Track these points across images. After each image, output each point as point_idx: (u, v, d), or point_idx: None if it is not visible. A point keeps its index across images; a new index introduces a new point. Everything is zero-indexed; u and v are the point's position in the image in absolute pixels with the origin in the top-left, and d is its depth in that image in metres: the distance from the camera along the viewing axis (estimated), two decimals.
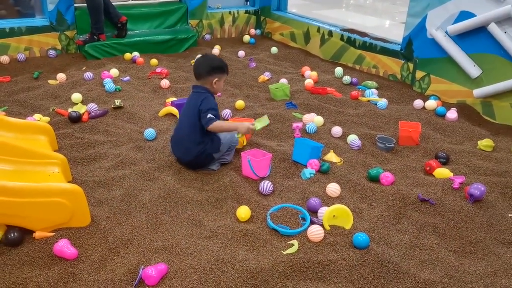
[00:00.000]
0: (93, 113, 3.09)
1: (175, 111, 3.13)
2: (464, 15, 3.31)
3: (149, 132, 2.84)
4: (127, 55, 4.34)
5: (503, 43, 3.10)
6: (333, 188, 2.32)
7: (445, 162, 2.71)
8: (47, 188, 1.92)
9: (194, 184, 2.39)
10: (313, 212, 2.17)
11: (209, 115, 2.40)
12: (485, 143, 2.91)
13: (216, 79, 2.49)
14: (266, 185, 2.30)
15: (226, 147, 2.54)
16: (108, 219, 2.08)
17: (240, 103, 3.36)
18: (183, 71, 4.11)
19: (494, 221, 2.18)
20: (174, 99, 3.34)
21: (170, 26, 4.85)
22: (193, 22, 4.98)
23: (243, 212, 2.10)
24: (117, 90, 3.54)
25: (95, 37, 4.30)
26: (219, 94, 3.14)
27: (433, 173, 2.57)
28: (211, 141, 2.48)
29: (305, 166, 2.56)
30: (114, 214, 2.13)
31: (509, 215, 2.23)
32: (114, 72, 3.86)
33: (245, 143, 2.78)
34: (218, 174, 2.48)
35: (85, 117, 3.04)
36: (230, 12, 5.23)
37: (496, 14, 3.09)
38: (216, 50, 4.61)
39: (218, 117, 2.45)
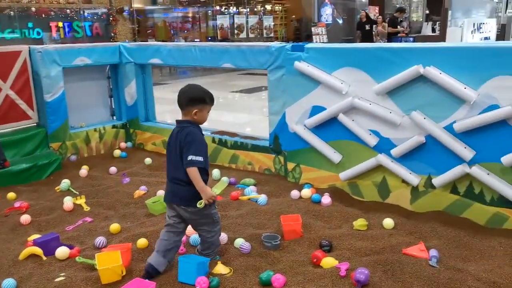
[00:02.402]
0: None
1: (38, 251, 2.77)
2: (317, 109, 3.66)
3: (8, 283, 2.43)
4: None
5: (353, 130, 3.45)
6: None
7: (329, 250, 2.77)
8: None
9: None
10: None
11: (190, 157, 2.38)
12: (360, 223, 3.09)
13: (196, 110, 2.45)
14: None
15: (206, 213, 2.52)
16: None
17: (115, 227, 3.13)
18: (47, 200, 3.75)
19: None
20: (37, 236, 2.97)
21: (28, 153, 4.49)
22: (54, 145, 4.69)
23: None
24: None
25: None
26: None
27: (320, 264, 2.60)
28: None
29: (194, 286, 2.40)
30: None
31: None
32: None
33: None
34: None
35: None
36: (95, 129, 5.07)
37: (342, 106, 3.46)
38: (83, 171, 4.35)
39: (202, 160, 2.41)
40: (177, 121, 2.54)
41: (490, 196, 3.00)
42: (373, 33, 13.30)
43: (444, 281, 2.38)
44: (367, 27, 13.43)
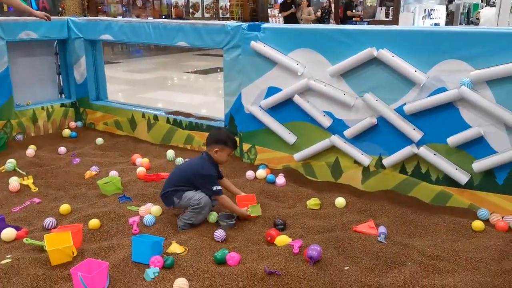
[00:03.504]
0: None
1: None
2: (272, 90, 3.67)
3: None
4: None
5: (308, 111, 3.50)
6: (180, 284, 2.19)
7: (283, 229, 2.82)
8: None
9: None
10: None
11: (216, 188, 2.84)
12: (313, 202, 3.16)
13: (217, 149, 2.90)
14: None
15: (184, 204, 2.85)
16: None
17: (65, 208, 3.02)
18: None
19: (334, 277, 2.31)
20: None
21: None
22: None
23: None
24: None
25: None
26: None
27: (274, 242, 2.65)
28: (181, 193, 2.85)
29: (148, 266, 2.37)
30: None
31: (345, 268, 2.39)
32: None
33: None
34: None
35: None
36: (43, 108, 4.84)
37: (297, 87, 3.49)
38: (30, 151, 4.15)
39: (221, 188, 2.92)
40: (204, 152, 3.02)
41: (436, 175, 3.15)
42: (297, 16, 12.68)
43: (392, 255, 2.50)
44: (293, 8, 12.41)
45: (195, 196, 2.82)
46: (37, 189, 3.42)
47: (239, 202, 3.02)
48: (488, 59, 2.79)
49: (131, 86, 8.92)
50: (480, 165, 2.94)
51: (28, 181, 3.50)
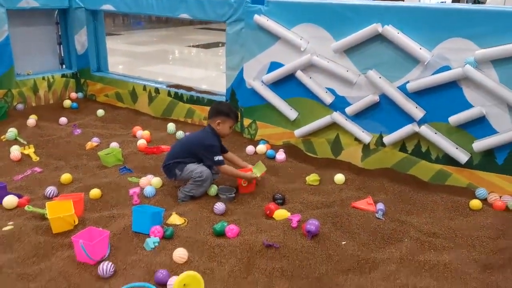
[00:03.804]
0: None
1: None
2: (274, 65, 3.64)
3: None
4: None
5: (310, 87, 3.48)
6: (179, 254, 2.22)
7: (282, 203, 2.85)
8: None
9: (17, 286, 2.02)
10: (162, 285, 2.03)
11: (218, 158, 2.86)
12: (312, 178, 3.18)
13: (219, 121, 2.92)
14: (106, 267, 2.08)
15: (186, 177, 2.85)
16: None
17: (66, 177, 3.04)
18: None
19: (331, 251, 2.35)
20: None
21: None
22: (0, 92, 4.43)
23: None
24: None
25: None
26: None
27: (273, 216, 2.68)
28: (183, 165, 2.86)
29: (148, 235, 2.41)
30: None
31: (343, 243, 2.42)
32: None
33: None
34: (46, 264, 2.15)
35: None
36: (44, 78, 4.81)
37: (300, 63, 3.46)
38: (31, 120, 4.15)
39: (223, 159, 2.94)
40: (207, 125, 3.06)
41: (436, 154, 3.16)
42: None
43: (389, 232, 2.53)
44: None
45: (197, 168, 2.84)
46: (38, 158, 3.44)
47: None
48: (493, 38, 2.76)
49: (132, 59, 8.85)
50: (480, 144, 2.95)
51: (29, 151, 3.52)
